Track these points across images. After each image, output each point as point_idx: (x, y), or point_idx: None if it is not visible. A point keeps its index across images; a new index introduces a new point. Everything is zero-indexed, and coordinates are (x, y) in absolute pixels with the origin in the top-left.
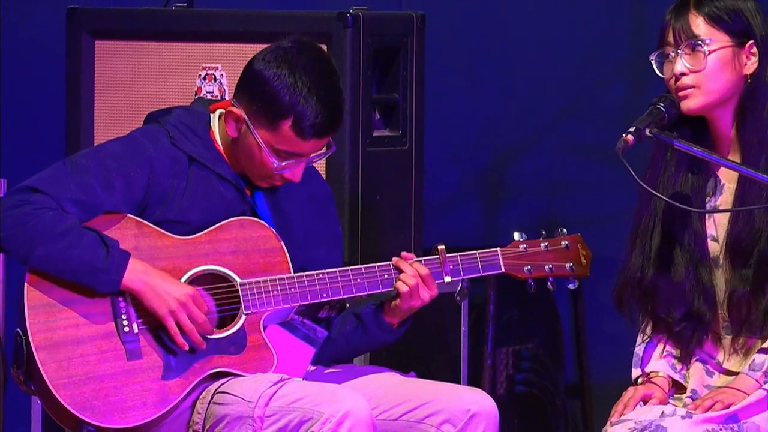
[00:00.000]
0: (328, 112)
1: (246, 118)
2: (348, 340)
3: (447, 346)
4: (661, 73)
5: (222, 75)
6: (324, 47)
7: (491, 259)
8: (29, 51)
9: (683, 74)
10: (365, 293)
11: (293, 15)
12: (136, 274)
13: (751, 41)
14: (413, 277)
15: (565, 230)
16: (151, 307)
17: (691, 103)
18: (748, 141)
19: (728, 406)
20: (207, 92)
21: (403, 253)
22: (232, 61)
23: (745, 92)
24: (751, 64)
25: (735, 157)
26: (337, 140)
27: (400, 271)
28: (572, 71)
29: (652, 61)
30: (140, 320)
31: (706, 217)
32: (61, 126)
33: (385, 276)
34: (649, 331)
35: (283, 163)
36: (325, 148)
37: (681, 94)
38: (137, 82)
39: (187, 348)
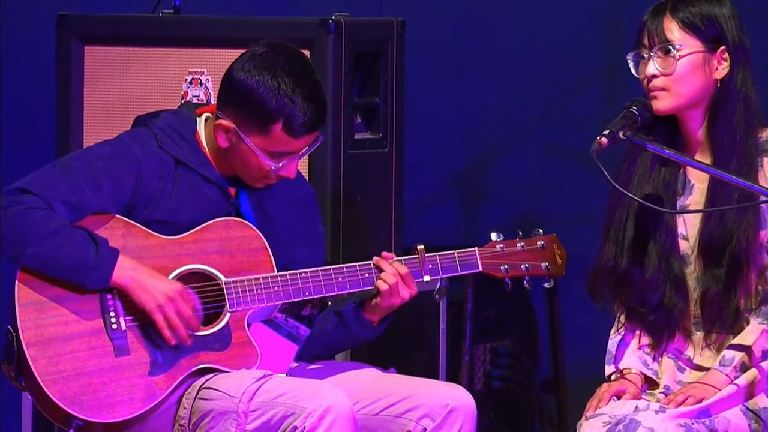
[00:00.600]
0: (315, 107)
1: (236, 127)
2: (329, 337)
3: (426, 343)
4: (637, 72)
5: (208, 79)
6: (307, 52)
7: (469, 259)
8: (21, 56)
9: (654, 76)
10: (346, 292)
11: (277, 21)
12: (125, 271)
13: (723, 47)
14: (393, 276)
15: (541, 231)
16: (139, 303)
17: (661, 105)
18: (719, 143)
19: (700, 401)
20: (193, 96)
21: (384, 253)
22: (218, 65)
23: (715, 96)
24: (722, 69)
25: (705, 158)
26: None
27: (380, 270)
28: (549, 76)
29: (629, 61)
30: (128, 317)
31: (677, 216)
32: (51, 129)
33: (366, 275)
34: (623, 319)
35: (280, 164)
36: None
37: (652, 95)
38: (125, 87)
39: (174, 342)
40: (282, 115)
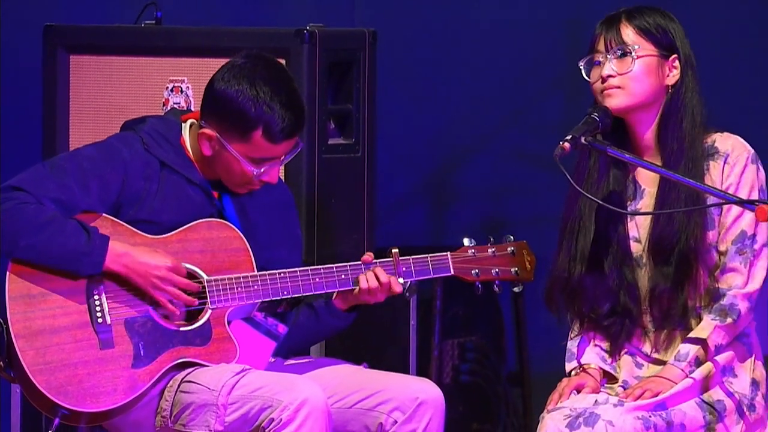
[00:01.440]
0: (293, 113)
1: (218, 136)
2: (302, 328)
3: (397, 339)
4: (589, 77)
5: (188, 87)
6: (283, 61)
7: (441, 263)
8: (9, 65)
9: (610, 76)
10: (323, 291)
11: (254, 31)
12: (116, 257)
13: (675, 56)
14: (381, 281)
15: (512, 237)
16: (136, 285)
17: (615, 102)
18: (668, 148)
19: (657, 395)
20: (174, 103)
21: (365, 257)
22: (198, 74)
23: (665, 102)
24: (672, 76)
25: (654, 162)
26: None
27: (369, 269)
28: (514, 85)
29: (581, 67)
30: (113, 311)
31: (628, 219)
32: (38, 134)
33: (342, 276)
34: (577, 328)
35: (261, 169)
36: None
37: (606, 93)
38: (109, 94)
39: (178, 314)
40: (262, 123)
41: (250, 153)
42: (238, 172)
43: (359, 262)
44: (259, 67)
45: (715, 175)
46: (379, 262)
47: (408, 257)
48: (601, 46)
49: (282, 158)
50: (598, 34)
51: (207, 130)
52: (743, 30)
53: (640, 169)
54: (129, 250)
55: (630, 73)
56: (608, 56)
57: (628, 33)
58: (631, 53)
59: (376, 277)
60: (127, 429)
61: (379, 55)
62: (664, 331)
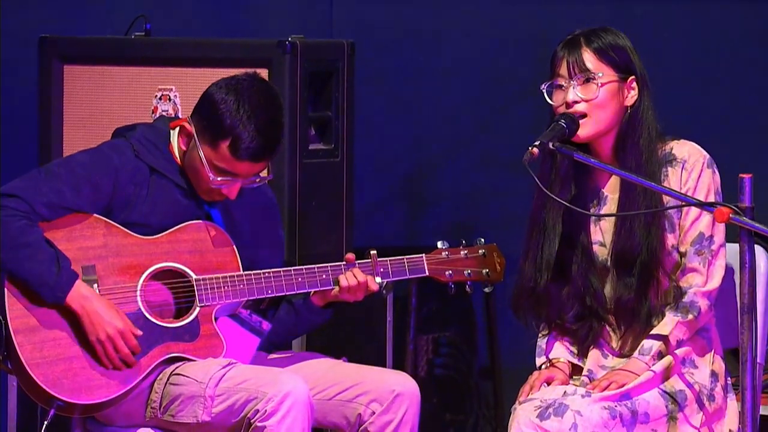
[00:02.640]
0: (263, 139)
1: (195, 134)
2: (282, 323)
3: (374, 335)
4: (551, 100)
5: (176, 95)
6: (265, 71)
7: (417, 264)
8: (5, 74)
9: (576, 102)
10: (305, 291)
11: (238, 43)
12: (78, 297)
13: (632, 77)
14: (356, 279)
15: (482, 240)
16: (84, 330)
17: (583, 132)
18: (627, 164)
19: (622, 386)
20: (162, 111)
21: (347, 255)
22: (185, 83)
23: (623, 122)
24: (630, 97)
25: (615, 178)
26: (277, 154)
27: (349, 269)
28: (484, 94)
29: (543, 90)
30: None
31: (593, 225)
32: (34, 140)
33: (323, 276)
34: (545, 332)
35: (219, 179)
36: (264, 173)
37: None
38: (101, 102)
39: (110, 367)
40: (231, 135)
41: (214, 160)
42: (200, 175)
43: (339, 263)
44: (254, 89)
45: (674, 180)
46: (359, 263)
47: (386, 258)
48: (563, 71)
49: (241, 179)
50: (561, 58)
51: (187, 126)
52: (703, 37)
53: (603, 177)
54: (91, 296)
55: (596, 100)
56: (572, 82)
57: (590, 59)
58: (595, 79)
59: (354, 276)
60: (118, 420)
61: (357, 65)
62: (629, 332)
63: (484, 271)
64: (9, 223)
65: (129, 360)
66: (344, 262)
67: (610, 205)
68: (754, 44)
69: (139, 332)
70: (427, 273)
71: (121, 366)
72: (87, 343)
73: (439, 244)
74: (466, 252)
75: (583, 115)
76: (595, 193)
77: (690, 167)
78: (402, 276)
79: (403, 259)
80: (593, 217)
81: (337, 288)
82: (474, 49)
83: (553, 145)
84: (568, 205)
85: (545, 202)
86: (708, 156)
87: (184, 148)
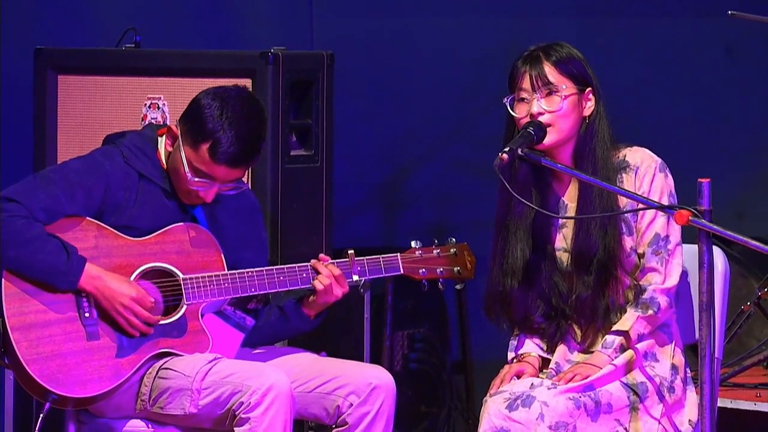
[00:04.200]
0: (241, 146)
1: (179, 135)
2: (272, 328)
3: (352, 331)
4: (514, 112)
5: (164, 104)
6: (249, 81)
7: (392, 263)
8: (2, 85)
9: (540, 114)
10: (286, 289)
11: (223, 54)
12: (90, 278)
13: (590, 88)
14: (328, 277)
15: (454, 239)
16: (102, 306)
17: (547, 140)
18: (585, 170)
19: (586, 378)
20: (152, 118)
21: (321, 255)
22: (173, 92)
23: (582, 131)
24: (588, 108)
25: (573, 184)
26: (260, 159)
27: (317, 272)
28: (457, 102)
29: (506, 103)
30: (99, 307)
31: (557, 232)
32: (29, 147)
33: (304, 275)
34: (516, 332)
35: (196, 179)
36: (237, 182)
37: None
38: (94, 110)
39: (137, 335)
40: (211, 138)
41: (194, 161)
42: (180, 174)
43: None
44: (240, 99)
45: (629, 185)
46: (337, 262)
47: (362, 258)
48: (526, 84)
49: (218, 184)
50: (523, 72)
51: (174, 127)
52: (662, 51)
53: (562, 186)
54: (102, 274)
55: (560, 112)
56: (535, 94)
57: (551, 72)
58: (558, 92)
59: (325, 277)
60: (109, 412)
61: (336, 75)
62: (590, 328)
63: (455, 269)
64: (11, 222)
65: (151, 320)
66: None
67: (570, 212)
68: (710, 57)
69: (152, 299)
70: (402, 271)
71: (147, 329)
72: (80, 339)
73: (413, 244)
74: (438, 251)
75: (548, 126)
76: (555, 202)
77: (643, 173)
78: (378, 274)
79: (379, 258)
80: (557, 224)
81: (315, 295)
82: (447, 60)
83: (522, 151)
84: (536, 208)
85: (508, 208)
86: (660, 161)
87: (169, 149)
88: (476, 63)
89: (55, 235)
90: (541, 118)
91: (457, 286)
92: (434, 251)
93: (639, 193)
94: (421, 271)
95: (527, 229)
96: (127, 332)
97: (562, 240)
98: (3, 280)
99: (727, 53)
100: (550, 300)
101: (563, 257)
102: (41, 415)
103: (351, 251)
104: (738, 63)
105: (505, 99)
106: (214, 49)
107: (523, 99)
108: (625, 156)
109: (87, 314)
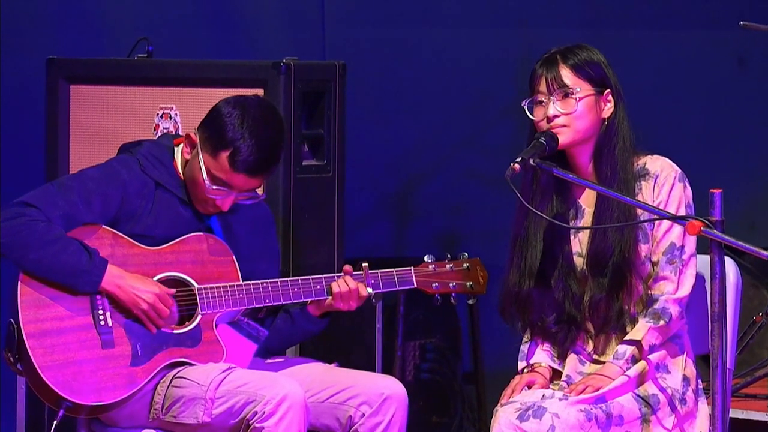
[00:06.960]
0: (261, 155)
1: (198, 143)
2: (279, 331)
3: (364, 341)
4: (533, 116)
5: (176, 114)
6: (261, 91)
7: (405, 276)
8: (15, 94)
9: (556, 116)
10: (300, 300)
11: (235, 64)
12: (112, 278)
13: (608, 90)
14: (351, 290)
15: (466, 254)
16: (125, 305)
17: (563, 139)
18: (603, 174)
19: (597, 390)
20: (164, 128)
21: (345, 267)
22: (185, 102)
23: (601, 133)
24: (607, 110)
25: (591, 190)
26: (273, 173)
27: (342, 277)
28: (469, 112)
29: (524, 106)
30: (114, 316)
31: (572, 236)
32: (41, 157)
33: (318, 287)
34: (528, 335)
35: (214, 187)
36: (259, 190)
37: (554, 132)
38: (106, 120)
39: (154, 332)
40: (232, 146)
41: (213, 169)
42: (198, 182)
43: (333, 275)
44: (261, 109)
45: (647, 194)
46: (353, 274)
47: (377, 271)
48: (543, 87)
49: (235, 193)
50: (539, 76)
51: (192, 135)
52: (674, 61)
53: (579, 190)
54: (124, 274)
55: (575, 113)
56: (551, 97)
57: (567, 75)
58: (573, 94)
59: (345, 283)
60: (122, 421)
61: (348, 85)
62: (603, 335)
63: (468, 283)
64: (33, 225)
65: (172, 318)
66: (338, 273)
67: (587, 216)
68: (721, 68)
69: (173, 290)
70: (415, 285)
71: (164, 326)
72: (95, 347)
73: (426, 258)
74: (451, 265)
75: (564, 126)
76: (573, 205)
77: (662, 182)
78: (391, 287)
79: (392, 271)
80: (572, 229)
81: (330, 298)
82: (458, 70)
83: (533, 162)
84: (548, 218)
85: (527, 215)
86: (680, 171)
87: (187, 157)
88: (487, 73)
89: (74, 237)
90: (557, 120)
91: (470, 301)
92: (447, 265)
93: (655, 203)
94: (434, 285)
95: (545, 232)
96: (146, 330)
97: (578, 244)
98: (19, 287)
99: (739, 64)
100: (564, 304)
101: (578, 262)
102: (55, 423)
103: (365, 264)
104: (750, 74)
105: (524, 102)
106: (226, 59)
107: (540, 102)
108: (645, 164)
109: (102, 322)
